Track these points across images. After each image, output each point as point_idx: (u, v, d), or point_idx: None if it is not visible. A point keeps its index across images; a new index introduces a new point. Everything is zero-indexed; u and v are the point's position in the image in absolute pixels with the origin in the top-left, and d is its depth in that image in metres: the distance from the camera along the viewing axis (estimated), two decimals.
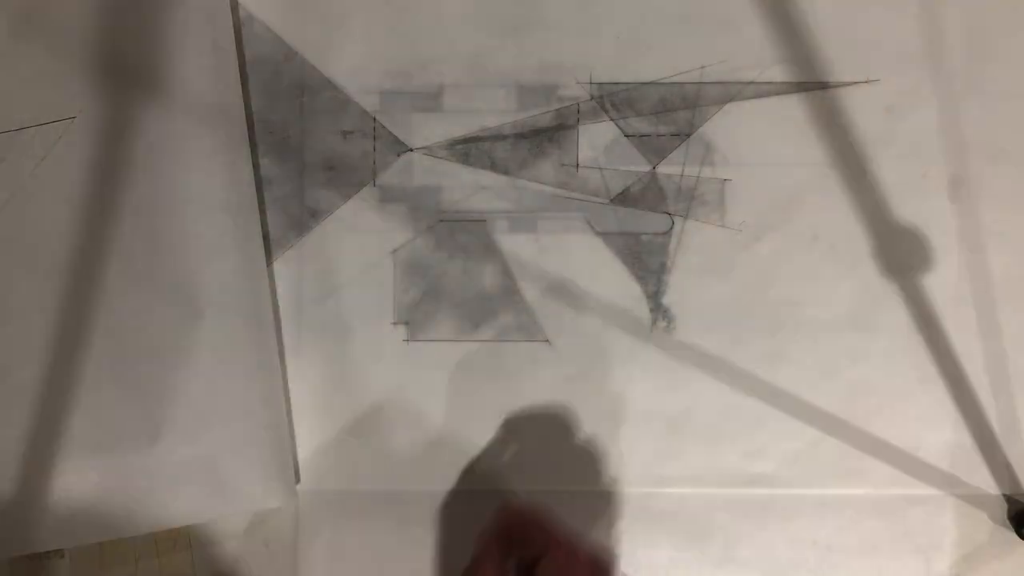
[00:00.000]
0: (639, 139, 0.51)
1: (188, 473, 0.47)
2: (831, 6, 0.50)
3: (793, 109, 0.51)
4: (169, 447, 0.46)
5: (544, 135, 0.51)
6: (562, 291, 0.51)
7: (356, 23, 0.51)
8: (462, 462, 0.51)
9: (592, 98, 0.51)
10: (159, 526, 0.47)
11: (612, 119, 0.51)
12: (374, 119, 0.51)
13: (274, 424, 0.48)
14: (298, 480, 0.50)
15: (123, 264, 0.46)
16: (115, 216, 0.46)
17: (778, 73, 0.51)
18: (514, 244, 0.51)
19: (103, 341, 0.46)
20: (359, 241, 0.51)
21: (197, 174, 0.47)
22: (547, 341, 0.51)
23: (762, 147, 0.51)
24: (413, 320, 0.51)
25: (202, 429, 0.47)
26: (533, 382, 0.51)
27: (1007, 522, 0.50)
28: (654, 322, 0.51)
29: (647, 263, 0.51)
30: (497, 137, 0.51)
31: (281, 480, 0.48)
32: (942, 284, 0.50)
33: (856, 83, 0.51)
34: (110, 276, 0.46)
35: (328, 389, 0.51)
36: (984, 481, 0.50)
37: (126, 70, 0.47)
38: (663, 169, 0.51)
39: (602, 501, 0.51)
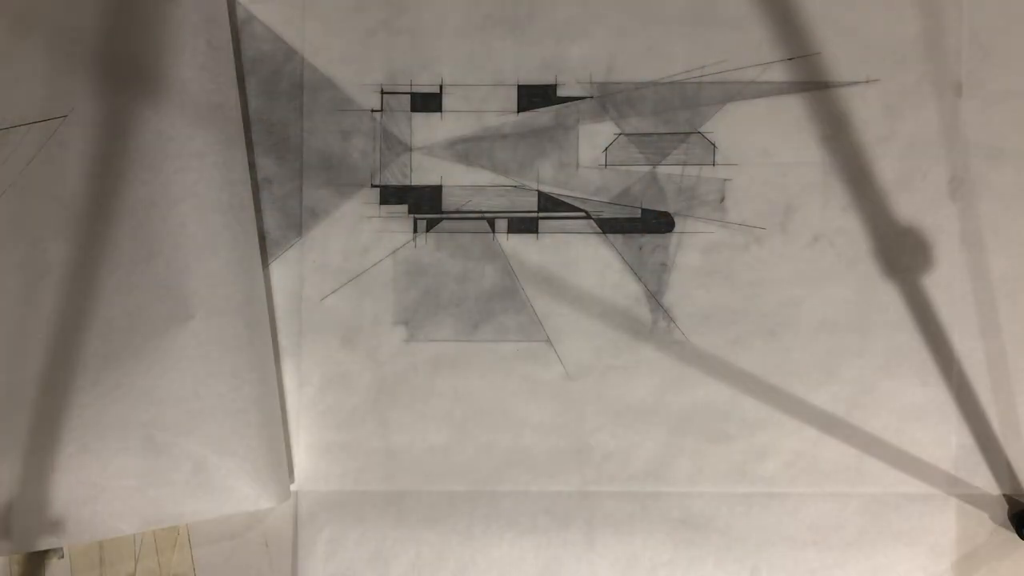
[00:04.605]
0: (639, 139, 0.49)
1: (179, 473, 0.45)
2: (831, 6, 0.49)
3: (793, 109, 0.49)
4: (159, 447, 0.45)
5: (544, 135, 0.49)
6: (562, 291, 0.49)
7: (356, 23, 0.49)
8: (462, 462, 0.49)
9: (592, 98, 0.49)
10: (153, 525, 0.46)
11: (612, 119, 0.49)
12: (374, 119, 0.49)
13: (267, 425, 0.47)
14: (293, 480, 0.49)
15: (114, 264, 0.45)
16: (107, 216, 0.45)
17: (778, 73, 0.49)
18: (514, 244, 0.49)
19: (95, 341, 0.45)
20: (359, 241, 0.49)
21: (190, 174, 0.45)
22: (547, 341, 0.49)
23: (762, 147, 0.49)
24: (413, 320, 0.49)
25: (192, 429, 0.45)
26: (533, 382, 0.49)
27: (1007, 522, 0.48)
28: (654, 322, 0.49)
29: (647, 263, 0.49)
30: (497, 137, 0.49)
31: (275, 480, 0.47)
32: (942, 284, 0.48)
33: (856, 83, 0.49)
34: (101, 276, 0.45)
35: (328, 389, 0.49)
36: (985, 481, 0.49)
37: (119, 69, 0.46)
38: (663, 169, 0.49)
39: (602, 501, 0.49)
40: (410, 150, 0.49)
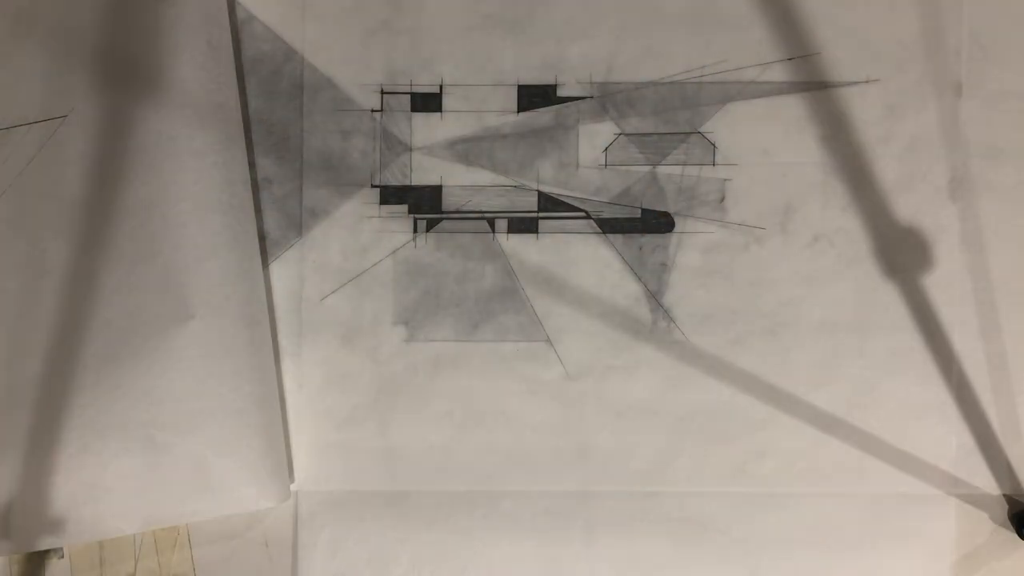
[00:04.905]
0: (639, 139, 0.49)
1: (179, 473, 0.45)
2: (831, 6, 0.48)
3: (793, 109, 0.49)
4: (159, 447, 0.45)
5: (544, 135, 0.49)
6: (562, 291, 0.49)
7: (356, 23, 0.49)
8: (462, 462, 0.49)
9: (592, 98, 0.49)
10: (153, 525, 0.46)
11: (612, 119, 0.49)
12: (374, 119, 0.49)
13: (267, 425, 0.46)
14: (293, 480, 0.48)
15: (114, 264, 0.45)
16: (107, 216, 0.44)
17: (778, 73, 0.49)
18: (514, 244, 0.49)
19: (95, 341, 0.44)
20: (359, 241, 0.49)
21: (190, 174, 0.45)
22: (547, 341, 0.49)
23: (762, 147, 0.49)
24: (413, 320, 0.49)
25: (192, 430, 0.45)
26: (533, 382, 0.49)
27: (1007, 522, 0.48)
28: (654, 322, 0.49)
29: (647, 263, 0.49)
30: (497, 137, 0.49)
31: (275, 480, 0.46)
32: (942, 284, 0.48)
33: (856, 83, 0.48)
34: (101, 276, 0.45)
35: (328, 389, 0.49)
36: (985, 481, 0.48)
37: (119, 69, 0.45)
38: (663, 169, 0.49)
39: (602, 501, 0.48)
40: (410, 150, 0.49)
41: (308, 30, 0.49)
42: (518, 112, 0.49)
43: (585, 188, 0.49)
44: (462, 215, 0.49)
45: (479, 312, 0.49)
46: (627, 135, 0.49)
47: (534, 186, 0.49)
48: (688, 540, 0.49)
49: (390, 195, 0.49)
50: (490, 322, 0.49)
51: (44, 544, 0.45)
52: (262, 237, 0.48)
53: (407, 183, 0.49)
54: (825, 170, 0.48)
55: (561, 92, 0.49)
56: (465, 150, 0.49)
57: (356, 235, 0.49)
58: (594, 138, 0.49)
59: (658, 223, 0.49)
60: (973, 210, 0.48)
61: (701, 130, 0.49)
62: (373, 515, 0.48)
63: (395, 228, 0.49)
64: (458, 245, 0.49)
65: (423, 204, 0.49)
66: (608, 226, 0.49)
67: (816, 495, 0.48)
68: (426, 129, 0.49)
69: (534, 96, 0.49)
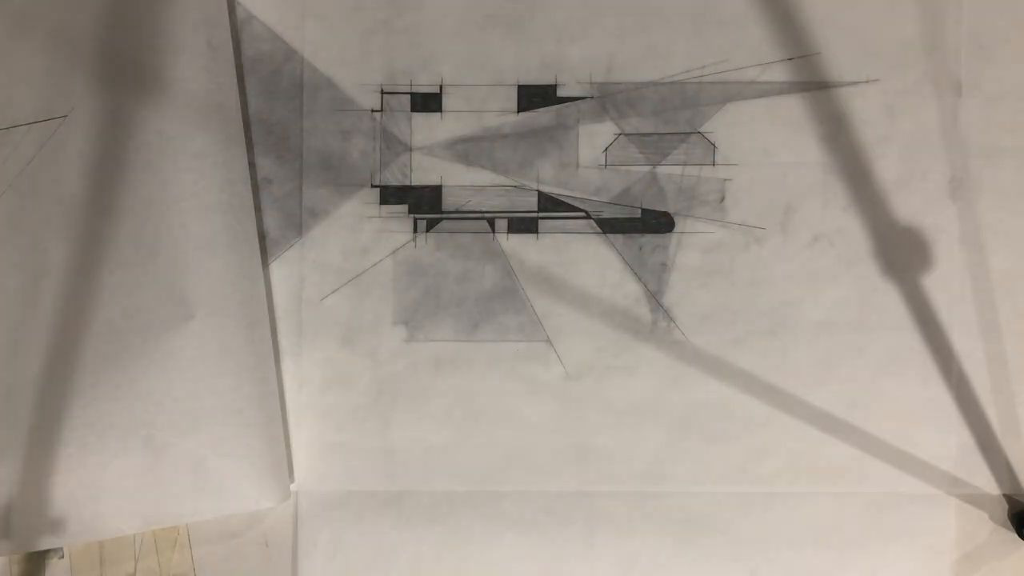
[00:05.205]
0: (639, 139, 0.49)
1: (179, 473, 0.45)
2: (831, 6, 0.48)
3: (793, 109, 0.49)
4: (159, 447, 0.45)
5: (544, 135, 0.49)
6: (562, 291, 0.49)
7: (356, 23, 0.49)
8: (462, 462, 0.49)
9: (592, 98, 0.49)
10: (153, 525, 0.46)
11: (612, 119, 0.49)
12: (374, 119, 0.49)
13: (267, 425, 0.47)
14: (293, 480, 0.48)
15: (114, 264, 0.45)
16: (107, 216, 0.45)
17: (778, 73, 0.49)
18: (514, 244, 0.49)
19: (95, 341, 0.44)
20: (359, 241, 0.49)
21: (190, 174, 0.45)
22: (547, 341, 0.49)
23: (762, 147, 0.49)
24: (413, 320, 0.49)
25: (192, 430, 0.45)
26: (533, 382, 0.49)
27: (1007, 522, 0.48)
28: (654, 322, 0.49)
29: (647, 263, 0.49)
30: (497, 137, 0.49)
31: (275, 480, 0.47)
32: (942, 284, 0.48)
33: (856, 83, 0.49)
34: (101, 276, 0.45)
35: (328, 389, 0.49)
36: (985, 481, 0.48)
37: (119, 69, 0.45)
38: (663, 169, 0.49)
39: (602, 501, 0.48)
40: (410, 150, 0.49)
41: (308, 30, 0.49)
42: (518, 112, 0.49)
43: (585, 188, 0.49)
44: (462, 215, 0.49)
45: (479, 312, 0.49)
46: (627, 135, 0.49)
47: (534, 186, 0.49)
48: (688, 540, 0.49)
49: (390, 195, 0.49)
50: (490, 322, 0.49)
51: (44, 544, 0.45)
52: (262, 237, 0.48)
53: (407, 183, 0.49)
54: (825, 170, 0.49)
55: (561, 92, 0.49)
56: (465, 150, 0.49)
57: (356, 235, 0.49)
58: (594, 138, 0.49)
59: (658, 223, 0.49)
60: (973, 210, 0.48)
61: (701, 130, 0.49)
62: (373, 515, 0.49)
63: (395, 228, 0.49)
64: (458, 245, 0.49)
65: (423, 204, 0.49)
66: (608, 226, 0.49)
67: (816, 495, 0.48)
68: (426, 129, 0.49)
69: (534, 96, 0.49)
